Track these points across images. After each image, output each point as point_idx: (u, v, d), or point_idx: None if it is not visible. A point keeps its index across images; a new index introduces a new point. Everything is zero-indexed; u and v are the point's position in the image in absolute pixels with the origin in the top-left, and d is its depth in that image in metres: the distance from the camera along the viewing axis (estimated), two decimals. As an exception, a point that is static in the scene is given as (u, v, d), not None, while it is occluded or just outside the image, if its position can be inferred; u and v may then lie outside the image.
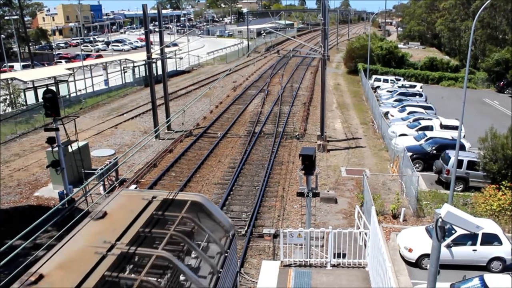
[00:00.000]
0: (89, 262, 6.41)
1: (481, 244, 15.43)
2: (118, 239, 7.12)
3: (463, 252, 15.44)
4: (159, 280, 6.77)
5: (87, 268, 6.28)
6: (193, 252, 8.12)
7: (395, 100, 39.22)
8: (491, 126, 21.54)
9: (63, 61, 66.40)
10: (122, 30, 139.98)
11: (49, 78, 39.32)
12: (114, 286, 6.39)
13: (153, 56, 30.16)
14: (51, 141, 15.70)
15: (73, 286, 5.84)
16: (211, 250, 8.52)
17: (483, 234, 15.30)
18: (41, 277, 5.99)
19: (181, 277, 7.29)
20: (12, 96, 35.15)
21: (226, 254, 8.48)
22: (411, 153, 23.25)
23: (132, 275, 6.61)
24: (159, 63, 37.11)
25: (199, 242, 8.43)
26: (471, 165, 21.63)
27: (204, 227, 8.55)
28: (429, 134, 27.00)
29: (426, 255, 15.02)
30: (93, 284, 5.87)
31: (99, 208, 8.21)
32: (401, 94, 41.14)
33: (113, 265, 6.46)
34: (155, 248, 7.21)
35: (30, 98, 36.33)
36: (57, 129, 15.53)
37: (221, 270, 7.99)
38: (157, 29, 37.69)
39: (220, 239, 8.79)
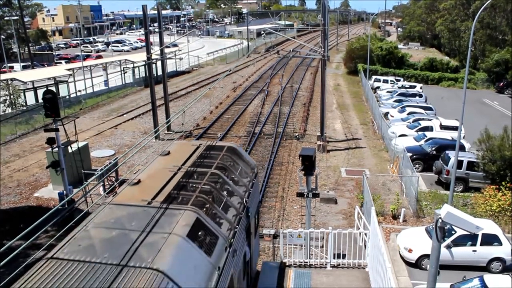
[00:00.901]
0: (167, 176, 9.78)
1: (481, 244, 15.44)
2: (183, 164, 10.49)
3: (463, 253, 15.45)
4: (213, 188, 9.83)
5: (167, 178, 9.62)
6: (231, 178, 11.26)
7: (395, 101, 39.25)
8: (486, 127, 21.58)
9: (63, 61, 66.40)
10: (118, 31, 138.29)
11: (49, 78, 39.32)
12: (185, 188, 9.59)
13: (153, 56, 30.16)
14: (51, 141, 15.71)
15: (161, 186, 9.19)
16: (243, 179, 11.64)
17: (483, 234, 15.31)
18: (139, 181, 9.60)
19: (225, 192, 10.38)
20: (12, 96, 35.14)
21: (253, 182, 11.94)
22: (411, 154, 23.27)
23: (197, 181, 9.87)
24: (159, 63, 37.11)
25: (235, 172, 11.57)
26: (471, 165, 21.63)
27: (238, 162, 12.00)
28: (429, 134, 27.02)
29: (426, 256, 15.03)
30: (173, 186, 9.28)
31: (164, 149, 11.85)
32: (401, 94, 41.17)
33: (183, 177, 9.81)
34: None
35: (30, 98, 36.31)
36: (57, 130, 15.54)
37: (251, 189, 11.36)
38: (157, 30, 37.69)
39: (249, 172, 12.17)
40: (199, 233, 7.98)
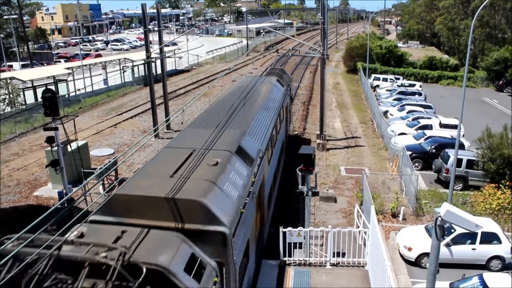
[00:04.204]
0: (259, 73, 25.37)
1: (481, 243, 15.45)
2: (265, 70, 26.77)
3: (463, 251, 15.46)
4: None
5: (260, 73, 25.16)
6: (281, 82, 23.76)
7: (395, 99, 39.20)
8: (486, 125, 21.57)
9: (62, 60, 66.33)
10: (111, 31, 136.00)
11: (48, 77, 39.24)
12: (269, 74, 24.81)
13: (152, 55, 30.11)
14: (50, 140, 15.68)
15: (260, 73, 25.12)
16: (286, 80, 25.74)
17: (483, 233, 15.31)
18: (252, 72, 26.71)
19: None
20: (11, 95, 35.10)
21: (290, 82, 28.41)
22: (410, 152, 23.26)
23: (272, 74, 24.87)
24: (158, 62, 37.04)
25: (284, 76, 26.06)
26: (471, 164, 21.62)
27: (284, 74, 27.08)
28: (428, 133, 27.01)
29: (426, 254, 15.05)
30: (265, 73, 25.42)
31: (244, 75, 28.95)
32: (401, 93, 41.13)
33: (266, 72, 25.34)
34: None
35: (29, 97, 36.25)
36: (56, 129, 15.51)
37: (290, 84, 27.21)
38: (156, 28, 37.61)
39: (288, 79, 26.90)
40: (278, 83, 21.97)
